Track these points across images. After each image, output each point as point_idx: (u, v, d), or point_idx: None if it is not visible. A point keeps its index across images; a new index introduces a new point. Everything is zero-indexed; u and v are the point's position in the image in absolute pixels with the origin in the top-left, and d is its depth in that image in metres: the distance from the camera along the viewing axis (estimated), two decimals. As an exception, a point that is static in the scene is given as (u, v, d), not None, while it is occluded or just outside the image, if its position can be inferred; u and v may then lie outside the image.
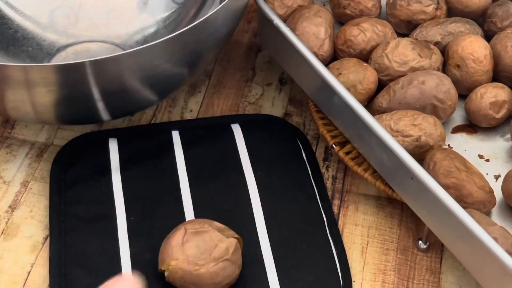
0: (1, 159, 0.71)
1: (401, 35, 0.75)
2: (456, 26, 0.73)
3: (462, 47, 0.69)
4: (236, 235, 0.58)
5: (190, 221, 0.59)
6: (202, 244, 0.56)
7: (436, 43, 0.72)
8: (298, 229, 0.64)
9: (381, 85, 0.70)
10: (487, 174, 0.65)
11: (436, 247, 0.65)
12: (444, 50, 0.72)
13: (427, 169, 0.61)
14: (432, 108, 0.66)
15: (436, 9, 0.74)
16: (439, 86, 0.66)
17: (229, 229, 0.59)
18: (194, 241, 0.56)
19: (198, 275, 0.55)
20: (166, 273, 0.56)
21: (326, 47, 0.71)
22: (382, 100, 0.68)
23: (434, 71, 0.68)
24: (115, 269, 0.61)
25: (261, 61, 0.81)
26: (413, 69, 0.69)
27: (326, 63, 0.71)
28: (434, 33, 0.73)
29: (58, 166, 0.68)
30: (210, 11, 0.67)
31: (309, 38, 0.70)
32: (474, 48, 0.69)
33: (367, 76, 0.68)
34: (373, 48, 0.71)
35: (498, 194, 0.63)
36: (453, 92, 0.67)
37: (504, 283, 0.54)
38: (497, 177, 0.66)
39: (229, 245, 0.57)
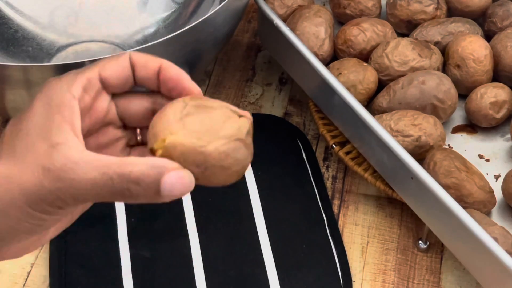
0: (1, 159, 0.70)
1: (401, 35, 0.75)
2: (456, 26, 0.73)
3: (462, 47, 0.69)
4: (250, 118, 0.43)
5: (189, 97, 0.43)
6: (207, 120, 0.41)
7: (436, 43, 0.72)
8: (298, 229, 0.64)
9: (381, 85, 0.70)
10: (487, 174, 0.65)
11: (436, 247, 0.65)
12: (444, 50, 0.72)
13: (427, 169, 0.61)
14: (432, 108, 0.66)
15: (436, 9, 0.74)
16: (439, 86, 0.66)
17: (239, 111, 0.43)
18: (197, 116, 0.41)
19: (203, 153, 0.40)
20: (159, 152, 0.40)
21: (326, 47, 0.71)
22: (382, 100, 0.68)
23: (434, 71, 0.68)
24: (115, 269, 0.61)
25: (261, 61, 0.81)
26: (413, 69, 0.69)
27: (326, 63, 0.71)
28: (434, 33, 0.73)
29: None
30: (210, 11, 0.67)
31: (309, 38, 0.70)
32: (474, 48, 0.69)
33: (367, 76, 0.68)
34: (373, 48, 0.71)
35: (498, 194, 0.63)
36: (453, 92, 0.67)
37: (504, 283, 0.54)
38: (497, 177, 0.66)
39: (242, 124, 0.41)
